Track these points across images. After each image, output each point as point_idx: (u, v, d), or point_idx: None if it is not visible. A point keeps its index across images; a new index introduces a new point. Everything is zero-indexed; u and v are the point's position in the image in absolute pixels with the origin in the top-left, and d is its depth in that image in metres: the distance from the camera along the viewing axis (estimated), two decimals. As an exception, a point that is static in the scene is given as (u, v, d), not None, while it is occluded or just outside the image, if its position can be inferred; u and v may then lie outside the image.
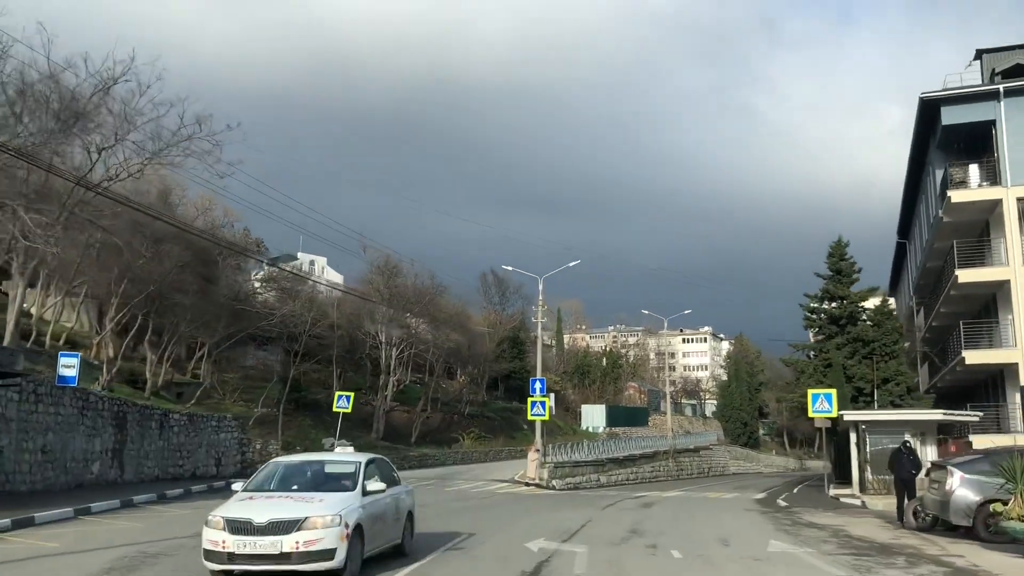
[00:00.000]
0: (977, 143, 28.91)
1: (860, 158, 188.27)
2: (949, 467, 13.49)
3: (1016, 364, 27.03)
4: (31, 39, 18.85)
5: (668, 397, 63.02)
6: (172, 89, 22.87)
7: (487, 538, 13.18)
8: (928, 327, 36.01)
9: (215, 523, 8.75)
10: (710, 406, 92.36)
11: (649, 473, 44.07)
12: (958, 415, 25.14)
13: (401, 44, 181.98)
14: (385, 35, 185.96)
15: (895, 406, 30.40)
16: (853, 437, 25.24)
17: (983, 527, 12.73)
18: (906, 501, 15.77)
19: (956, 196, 27.92)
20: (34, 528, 13.28)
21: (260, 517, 8.68)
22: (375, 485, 9.92)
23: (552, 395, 52.69)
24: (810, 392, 26.17)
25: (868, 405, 31.12)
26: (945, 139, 29.95)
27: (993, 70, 29.79)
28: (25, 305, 29.52)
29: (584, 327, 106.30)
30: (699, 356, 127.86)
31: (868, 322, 34.23)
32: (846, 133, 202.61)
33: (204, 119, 20.59)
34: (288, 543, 8.50)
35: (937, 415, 24.30)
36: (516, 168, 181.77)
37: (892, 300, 44.81)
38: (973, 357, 28.00)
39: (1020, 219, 27.30)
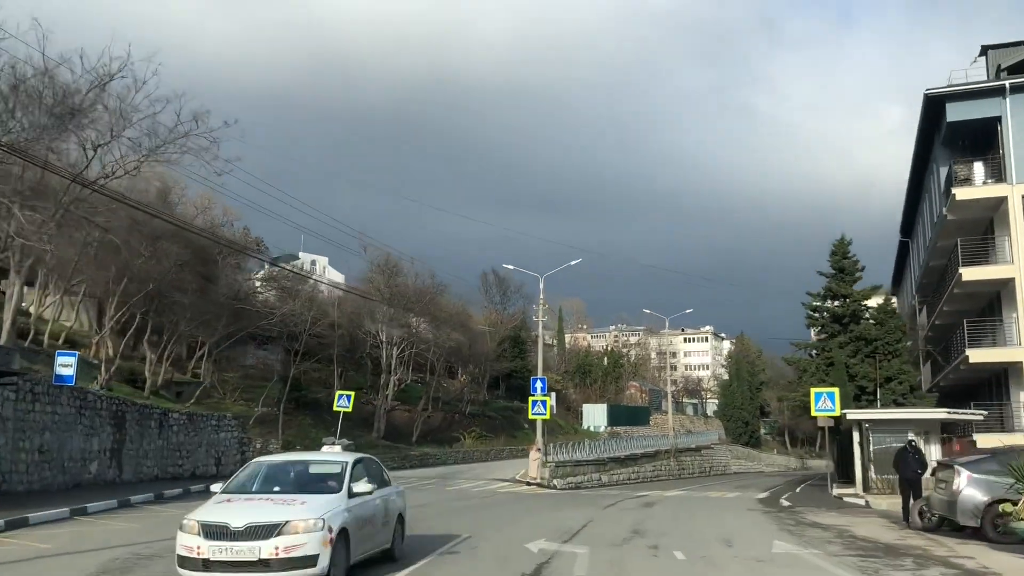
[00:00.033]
0: (982, 140, 28.69)
1: (861, 158, 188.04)
2: (956, 466, 13.29)
3: (1020, 363, 26.86)
4: (26, 35, 18.59)
5: (669, 396, 62.87)
6: (171, 88, 22.77)
7: (486, 539, 13.00)
8: (931, 326, 35.83)
9: (189, 527, 8.27)
10: (711, 405, 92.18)
11: (651, 472, 43.89)
12: (962, 414, 24.96)
13: (401, 44, 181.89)
14: (385, 35, 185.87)
15: (898, 405, 30.20)
16: (856, 436, 25.04)
17: (991, 528, 12.54)
18: (911, 501, 15.57)
19: (961, 193, 27.71)
20: (28, 529, 13.11)
21: (237, 521, 8.17)
22: (362, 487, 9.42)
23: (553, 394, 52.58)
24: (813, 391, 25.97)
25: (871, 404, 30.91)
26: (950, 136, 29.73)
27: (999, 66, 29.58)
28: (24, 304, 29.46)
29: (585, 327, 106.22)
30: (700, 355, 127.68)
31: (871, 320, 34.02)
32: (847, 133, 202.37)
33: (201, 116, 20.45)
34: (267, 549, 7.99)
35: (941, 414, 24.11)
36: (516, 168, 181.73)
37: (895, 299, 44.61)
38: (977, 356, 27.82)
39: (1025, 216, 27.08)
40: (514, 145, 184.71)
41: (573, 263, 36.85)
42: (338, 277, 60.02)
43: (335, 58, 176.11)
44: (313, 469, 9.96)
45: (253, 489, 9.40)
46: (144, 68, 19.80)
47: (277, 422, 33.08)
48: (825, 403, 24.83)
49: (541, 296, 35.52)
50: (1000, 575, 9.99)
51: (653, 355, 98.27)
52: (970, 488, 12.86)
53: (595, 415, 63.85)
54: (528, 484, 29.45)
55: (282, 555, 7.99)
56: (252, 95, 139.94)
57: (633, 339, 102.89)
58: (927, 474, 16.43)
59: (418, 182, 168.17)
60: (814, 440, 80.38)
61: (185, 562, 8.16)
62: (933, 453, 22.08)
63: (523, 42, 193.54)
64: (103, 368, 25.41)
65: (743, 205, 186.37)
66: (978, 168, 28.74)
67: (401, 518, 10.92)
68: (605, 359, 78.77)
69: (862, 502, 21.91)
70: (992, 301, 29.84)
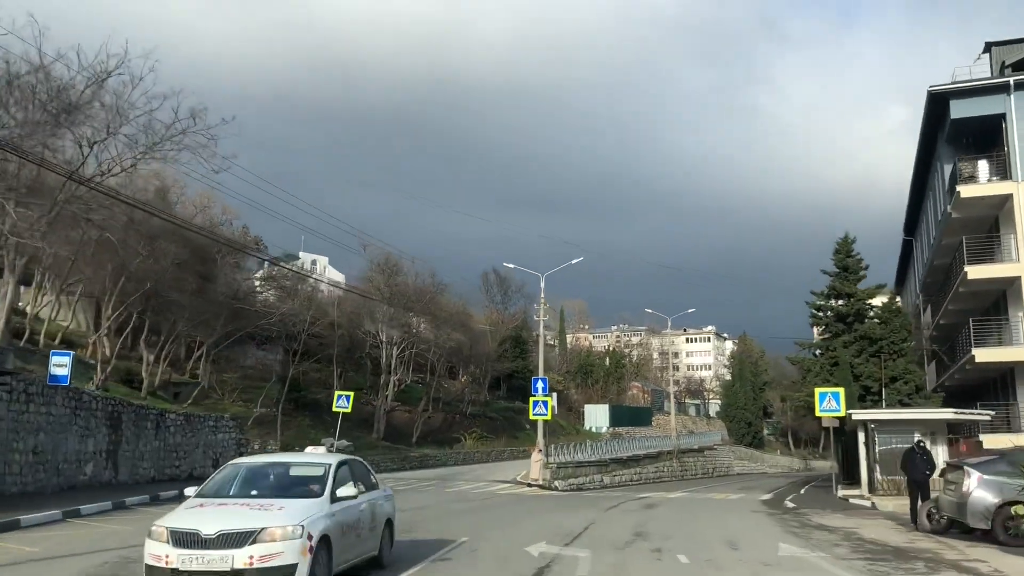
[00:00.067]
0: (986, 137, 28.42)
1: (863, 157, 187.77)
2: (966, 468, 12.99)
3: (1027, 362, 26.56)
4: (22, 31, 18.36)
5: (672, 397, 62.56)
6: (168, 86, 22.59)
7: (485, 542, 12.72)
8: (935, 325, 35.54)
9: (158, 534, 7.77)
10: (714, 406, 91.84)
11: (653, 473, 43.60)
12: (969, 414, 24.64)
13: (401, 44, 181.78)
14: (385, 35, 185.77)
15: (903, 405, 29.89)
16: (861, 437, 24.74)
17: (1002, 530, 12.24)
18: (919, 503, 15.27)
19: (965, 191, 27.41)
20: (19, 532, 12.85)
21: (209, 528, 7.64)
22: (347, 490, 8.87)
23: (555, 395, 52.32)
24: (817, 391, 25.69)
25: (876, 404, 30.61)
26: (954, 133, 29.45)
27: (1003, 63, 29.30)
28: (21, 304, 29.25)
29: (587, 327, 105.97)
30: (703, 356, 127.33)
31: (876, 320, 33.70)
32: (848, 132, 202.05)
33: (198, 113, 20.20)
34: (240, 558, 7.45)
35: (948, 414, 23.81)
36: (516, 168, 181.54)
37: (899, 298, 44.30)
38: (983, 355, 27.53)
39: (1031, 214, 26.79)
40: (514, 145, 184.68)
41: (574, 261, 36.65)
42: (339, 277, 59.80)
43: (335, 58, 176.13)
44: (294, 472, 9.39)
45: (229, 493, 8.84)
46: (141, 65, 19.53)
47: (276, 423, 32.84)
48: (830, 403, 24.55)
49: (542, 295, 35.28)
50: (1014, 579, 9.71)
51: (655, 355, 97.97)
52: (980, 490, 12.56)
53: (597, 416, 63.55)
54: (529, 485, 29.18)
55: (257, 565, 7.46)
56: (252, 95, 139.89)
57: (635, 339, 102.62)
58: (935, 475, 16.14)
59: (418, 182, 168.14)
60: (818, 441, 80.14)
61: (153, 572, 7.68)
62: (940, 454, 21.78)
63: (523, 42, 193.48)
64: (99, 368, 25.15)
65: (744, 204, 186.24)
66: (983, 166, 28.47)
67: (390, 523, 10.40)
68: (607, 359, 78.49)
69: (868, 504, 21.61)
70: (998, 300, 29.56)
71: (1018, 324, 27.21)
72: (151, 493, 19.32)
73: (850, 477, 27.96)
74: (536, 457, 30.30)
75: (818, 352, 36.30)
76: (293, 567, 7.60)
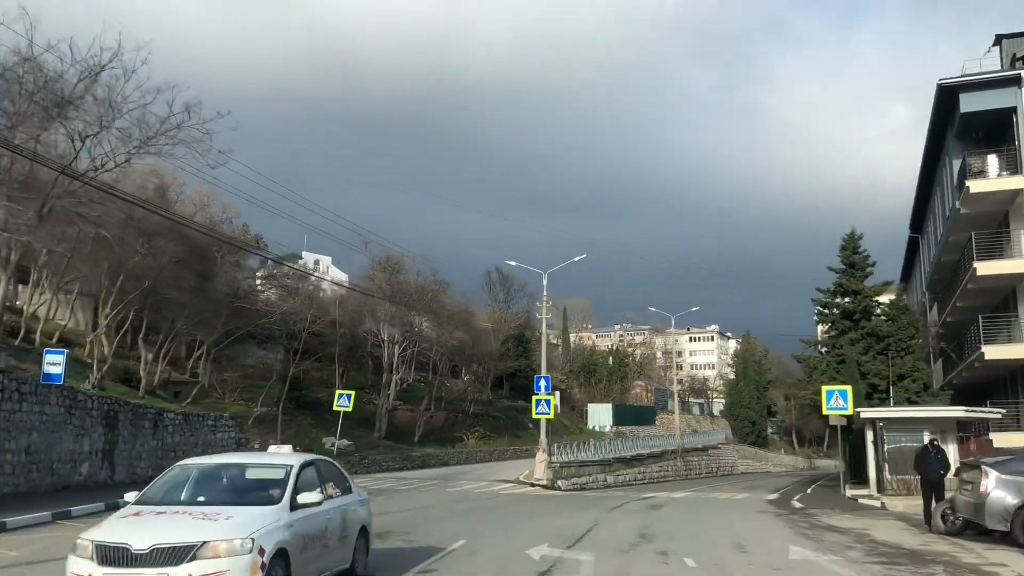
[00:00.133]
0: (996, 132, 27.98)
1: (864, 156, 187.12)
2: (984, 467, 12.56)
3: (1038, 359, 26.13)
4: (13, 24, 18.02)
5: (676, 396, 62.11)
6: (164, 80, 22.32)
7: (484, 544, 12.34)
8: (942, 322, 35.10)
9: (82, 549, 6.74)
10: (717, 405, 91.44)
11: (657, 473, 43.24)
12: (980, 412, 24.21)
13: (401, 44, 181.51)
14: (385, 35, 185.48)
15: (911, 403, 29.47)
16: (870, 435, 24.33)
17: (1022, 532, 11.82)
18: (934, 503, 14.84)
19: (975, 186, 26.99)
20: (4, 535, 12.50)
21: (141, 542, 6.61)
22: (310, 496, 7.77)
23: (558, 393, 51.88)
24: (824, 389, 25.29)
25: (883, 402, 30.18)
26: (963, 128, 29.01)
27: (1014, 55, 28.85)
28: (19, 303, 28.93)
29: (590, 326, 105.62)
30: (706, 355, 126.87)
31: (882, 317, 33.25)
32: (850, 131, 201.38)
33: (193, 107, 19.83)
34: None
35: (958, 412, 23.38)
36: (517, 168, 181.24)
37: (904, 296, 43.79)
38: (992, 352, 27.13)
39: (1042, 209, 26.38)
40: (514, 145, 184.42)
41: (577, 259, 36.25)
42: (342, 277, 59.49)
43: (335, 58, 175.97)
44: (251, 474, 8.25)
45: (172, 499, 7.72)
46: (133, 57, 19.15)
47: (276, 422, 32.50)
48: (837, 401, 24.15)
49: (544, 293, 34.88)
50: (1037, 584, 9.30)
51: (659, 354, 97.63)
52: (999, 490, 12.13)
53: (600, 415, 63.19)
54: (533, 485, 28.82)
55: None
56: (251, 95, 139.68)
57: (638, 338, 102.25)
58: (949, 475, 15.71)
59: (418, 182, 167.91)
60: (822, 440, 79.71)
61: None
62: (951, 453, 21.33)
63: (523, 42, 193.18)
64: (95, 367, 24.82)
65: (744, 204, 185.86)
66: (992, 160, 28.02)
67: (365, 531, 9.35)
68: (610, 358, 78.11)
69: (877, 504, 21.20)
70: (1007, 296, 29.13)
71: (1029, 321, 26.80)
72: (147, 494, 18.93)
73: (857, 476, 27.56)
74: (540, 457, 29.96)
75: (824, 350, 35.88)
76: None
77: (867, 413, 24.24)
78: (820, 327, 43.06)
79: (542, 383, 30.99)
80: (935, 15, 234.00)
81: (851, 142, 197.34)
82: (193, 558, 6.56)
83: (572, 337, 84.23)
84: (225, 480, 8.17)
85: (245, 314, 33.66)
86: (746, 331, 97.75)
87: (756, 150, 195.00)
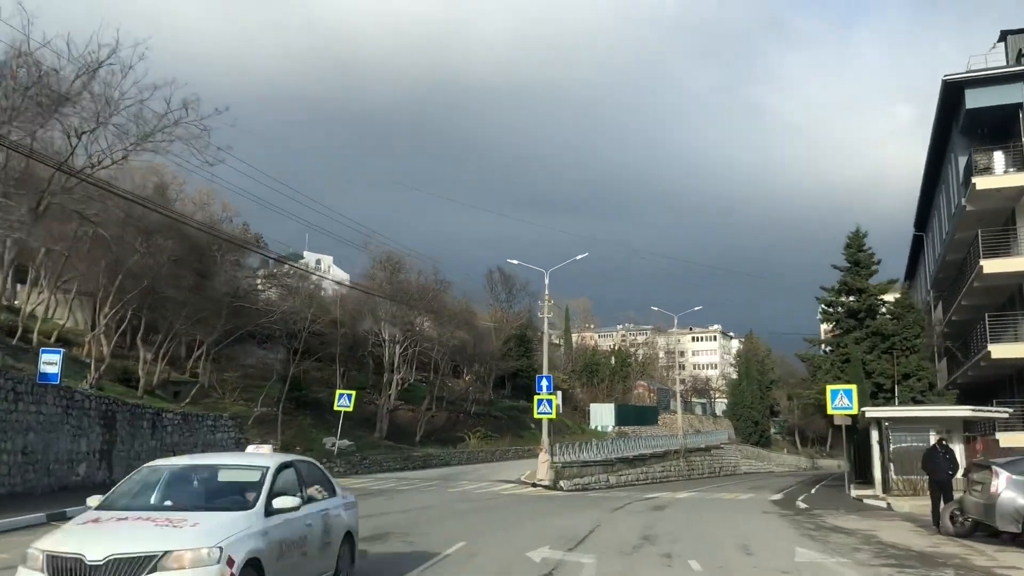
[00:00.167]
0: (1002, 128, 27.73)
1: (868, 155, 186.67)
2: (994, 467, 12.30)
3: (1045, 358, 25.86)
4: (10, 20, 17.83)
5: (679, 395, 61.89)
6: (161, 77, 22.11)
7: (484, 546, 12.11)
8: (947, 321, 34.85)
9: (33, 560, 6.17)
10: (720, 405, 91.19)
11: (660, 473, 43.01)
12: (987, 411, 23.94)
13: (401, 44, 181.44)
14: (385, 35, 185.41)
15: (916, 402, 29.17)
16: (875, 435, 24.08)
17: (1034, 533, 11.58)
18: (942, 504, 14.58)
19: (981, 183, 26.76)
20: (-2, 536, 12.30)
21: (97, 552, 6.00)
22: (286, 500, 7.15)
23: (560, 393, 51.60)
24: (829, 388, 25.04)
25: (888, 401, 29.90)
26: (968, 124, 28.76)
27: (1019, 51, 28.61)
28: (16, 302, 28.75)
29: (592, 326, 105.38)
30: (708, 355, 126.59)
31: (888, 315, 32.96)
32: (853, 131, 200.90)
33: (191, 103, 19.61)
34: None
35: (965, 412, 23.10)
36: (517, 168, 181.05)
37: (910, 294, 43.50)
38: (999, 351, 26.90)
39: (1049, 206, 26.11)
40: (514, 145, 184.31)
41: (579, 257, 36.01)
42: (343, 276, 59.32)
43: (335, 58, 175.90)
44: (223, 476, 7.63)
45: (137, 504, 7.09)
46: (130, 53, 18.93)
47: (276, 422, 32.30)
48: (842, 401, 23.92)
49: (546, 291, 34.66)
50: (1052, 587, 9.05)
51: (661, 354, 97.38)
52: (1010, 490, 11.87)
53: (603, 415, 62.96)
54: (535, 485, 28.59)
55: None
56: (251, 95, 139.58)
57: (640, 338, 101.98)
58: (958, 475, 15.45)
59: (418, 182, 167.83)
60: (825, 439, 79.41)
61: None
62: (957, 453, 21.07)
63: (523, 42, 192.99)
64: (93, 367, 24.63)
65: (746, 204, 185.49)
66: (998, 157, 27.79)
67: (350, 537, 8.75)
68: (612, 358, 77.86)
69: (883, 504, 20.94)
70: (1013, 294, 28.89)
71: (1036, 319, 26.54)
72: (144, 494, 18.73)
73: (862, 476, 27.29)
74: (543, 458, 29.73)
75: (828, 349, 35.60)
76: None
77: (872, 413, 23.98)
78: (824, 326, 42.79)
79: (544, 383, 30.76)
80: (935, 15, 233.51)
81: (853, 142, 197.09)
82: (153, 569, 6.00)
83: (574, 337, 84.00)
84: (195, 483, 7.55)
85: (245, 313, 33.47)
86: (749, 331, 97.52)
87: (757, 150, 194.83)
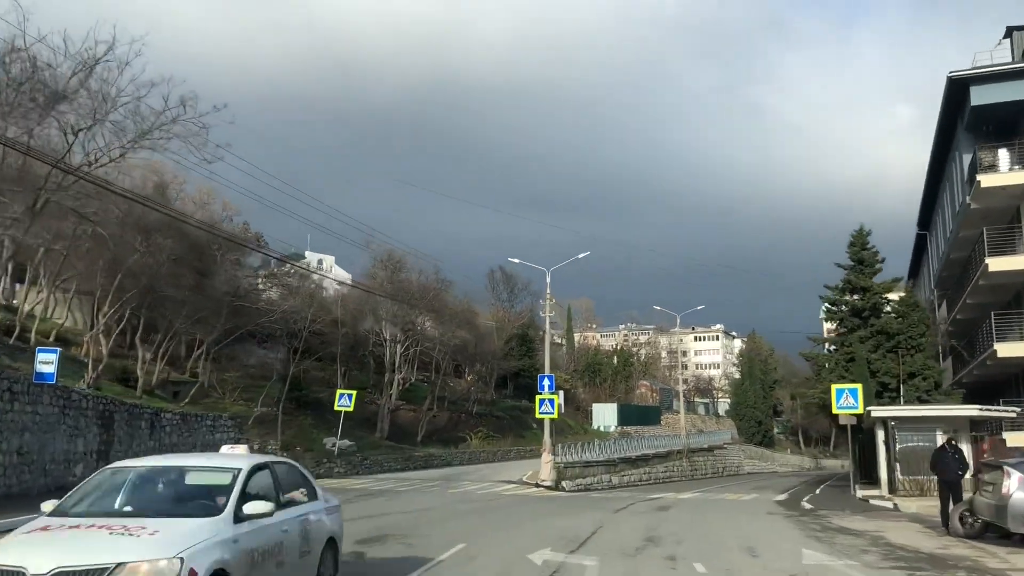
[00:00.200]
0: (1008, 125, 27.50)
1: (868, 155, 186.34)
2: (1006, 468, 12.05)
3: (1052, 357, 25.59)
4: (6, 15, 17.64)
5: (682, 395, 61.63)
6: (159, 74, 21.96)
7: (485, 548, 11.87)
8: (952, 320, 34.58)
9: None
10: (723, 405, 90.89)
11: (663, 473, 42.76)
12: (994, 411, 23.65)
13: (402, 44, 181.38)
14: (385, 36, 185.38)
15: (921, 402, 28.90)
16: (880, 435, 23.81)
17: (1047, 535, 11.32)
18: (951, 505, 14.32)
19: (986, 180, 26.50)
20: (-11, 537, 12.07)
21: (40, 564, 5.40)
22: (258, 506, 6.52)
23: (562, 393, 51.39)
24: (834, 387, 24.79)
25: (893, 401, 29.62)
26: (974, 121, 28.49)
27: (1025, 47, 28.29)
28: (15, 302, 28.59)
29: (594, 325, 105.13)
30: (711, 354, 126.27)
31: (892, 314, 32.68)
32: (853, 131, 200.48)
33: (189, 101, 19.41)
34: None
35: (972, 411, 22.82)
36: (517, 168, 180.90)
37: (914, 293, 43.20)
38: (1005, 350, 26.65)
39: (1056, 204, 25.84)
40: (515, 144, 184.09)
41: (581, 255, 35.72)
42: (345, 276, 59.14)
43: (335, 58, 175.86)
44: (192, 479, 6.98)
45: (94, 509, 6.47)
46: (127, 50, 18.73)
47: (276, 422, 32.10)
48: (847, 400, 23.68)
49: (548, 289, 34.40)
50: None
51: (663, 354, 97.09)
52: (1022, 491, 11.63)
53: (605, 415, 62.73)
54: (538, 485, 28.36)
55: None
56: (251, 95, 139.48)
57: (643, 338, 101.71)
58: (967, 475, 15.20)
59: (419, 182, 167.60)
60: (828, 439, 79.09)
61: None
62: (966, 453, 20.82)
63: (523, 42, 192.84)
64: (90, 366, 24.44)
65: (746, 203, 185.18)
66: (1003, 154, 27.54)
67: (333, 543, 8.12)
68: (615, 358, 77.60)
69: (889, 505, 20.69)
70: (1019, 292, 28.62)
71: (1042, 318, 26.27)
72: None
73: (867, 476, 27.04)
74: (546, 458, 29.51)
75: (832, 348, 35.32)
76: None
77: (878, 412, 23.71)
78: (827, 325, 42.47)
79: (546, 382, 30.53)
80: (935, 15, 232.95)
81: (853, 142, 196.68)
82: None
83: (576, 337, 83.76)
84: (161, 486, 6.88)
85: (245, 313, 33.30)
86: (752, 330, 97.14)
87: (757, 149, 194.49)
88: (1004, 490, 11.79)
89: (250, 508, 6.48)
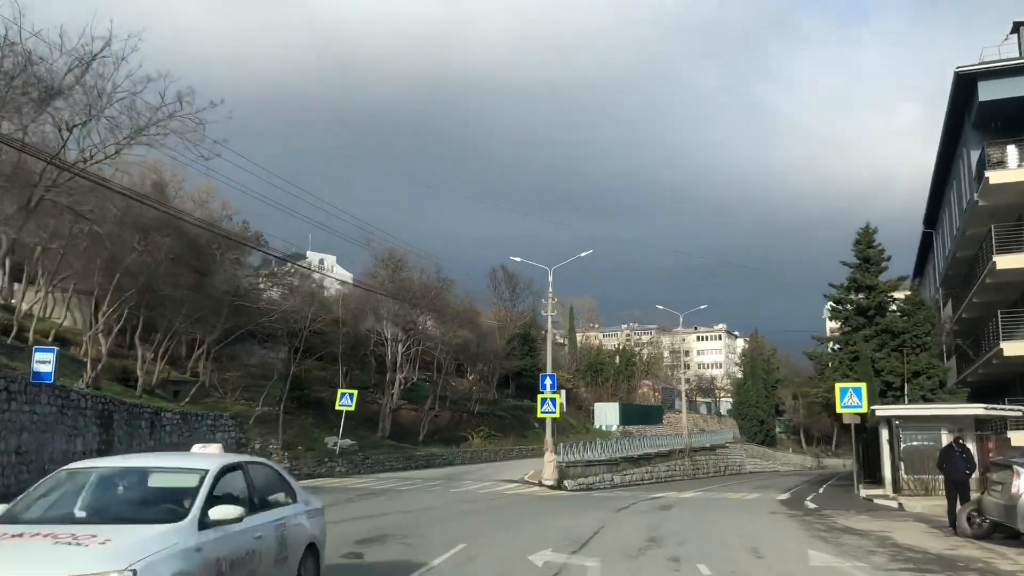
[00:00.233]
0: (1016, 121, 27.19)
1: (872, 154, 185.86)
2: (1016, 467, 11.82)
3: (1059, 356, 25.35)
4: (1, 9, 17.54)
5: (684, 395, 61.37)
6: (155, 70, 21.79)
7: (485, 549, 11.68)
8: (958, 319, 34.34)
9: None
10: (724, 404, 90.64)
11: (665, 472, 42.55)
12: (1001, 410, 23.43)
13: (402, 44, 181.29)
14: (386, 36, 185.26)
15: (926, 401, 28.68)
16: (885, 434, 23.59)
17: (1058, 536, 11.10)
18: (959, 505, 14.10)
19: (995, 177, 26.25)
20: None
21: None
22: (226, 510, 5.93)
23: (564, 392, 51.24)
24: (838, 386, 24.58)
25: (897, 400, 29.41)
26: (981, 117, 28.23)
27: (1032, 42, 28.03)
28: (13, 301, 28.44)
29: (597, 325, 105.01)
30: (713, 354, 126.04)
31: (897, 313, 32.43)
32: (857, 130, 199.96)
33: (185, 96, 19.24)
34: None
35: (978, 410, 22.60)
36: (517, 168, 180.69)
37: (920, 291, 42.94)
38: (1012, 349, 26.45)
39: (1064, 201, 25.60)
40: (515, 144, 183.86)
41: (583, 254, 35.58)
42: (346, 276, 59.00)
43: (335, 58, 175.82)
44: (155, 481, 6.40)
45: (44, 516, 5.89)
46: (123, 46, 18.55)
47: (278, 422, 31.95)
48: (851, 399, 23.49)
49: (550, 288, 34.21)
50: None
51: (666, 353, 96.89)
52: (1032, 491, 11.41)
53: (607, 414, 62.51)
54: (540, 485, 28.17)
55: None
56: (251, 95, 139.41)
57: (645, 337, 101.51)
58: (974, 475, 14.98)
59: (419, 182, 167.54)
60: (830, 438, 78.85)
61: None
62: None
63: (523, 42, 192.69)
64: (89, 366, 24.29)
65: (748, 203, 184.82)
66: (1012, 151, 27.26)
67: (314, 549, 7.54)
68: (617, 357, 77.38)
69: (894, 504, 20.47)
70: (1026, 291, 28.36)
71: (1049, 316, 26.03)
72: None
73: (871, 476, 26.83)
74: (549, 457, 29.32)
75: (836, 347, 35.08)
76: None
77: (883, 411, 23.50)
78: (831, 324, 42.25)
79: (547, 381, 30.36)
80: (935, 14, 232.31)
81: (856, 141, 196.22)
82: None
83: (578, 336, 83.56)
84: (120, 489, 6.28)
85: (246, 312, 33.15)
86: (754, 329, 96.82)
87: (759, 148, 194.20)
88: (1014, 490, 11.57)
89: (217, 513, 5.91)
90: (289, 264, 41.99)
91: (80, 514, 5.94)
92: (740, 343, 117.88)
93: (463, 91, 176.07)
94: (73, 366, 24.70)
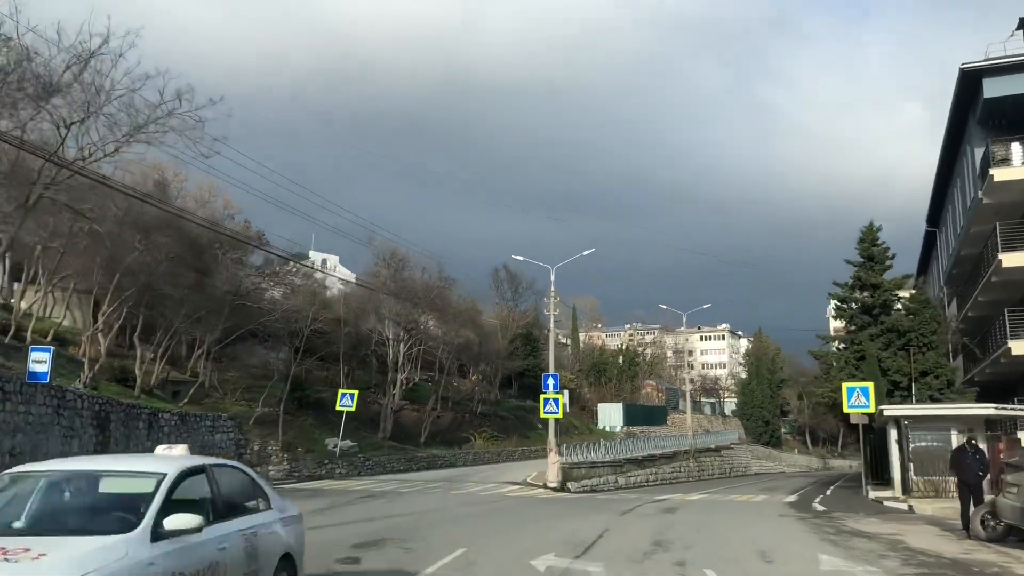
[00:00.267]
0: (1021, 119, 26.88)
1: (874, 154, 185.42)
2: (1032, 469, 11.54)
3: (1068, 355, 25.01)
4: (-2, 6, 17.33)
5: (688, 395, 61.01)
6: (154, 67, 21.60)
7: (485, 553, 11.39)
8: (963, 317, 33.99)
9: None
10: (729, 404, 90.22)
11: (669, 474, 42.22)
12: (1011, 409, 23.06)
13: (405, 44, 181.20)
14: (387, 36, 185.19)
15: (934, 400, 28.35)
16: (893, 435, 23.26)
17: (1075, 540, 10.79)
18: (972, 507, 13.78)
19: (999, 174, 25.94)
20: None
21: None
22: (182, 519, 5.26)
23: (567, 392, 50.97)
24: (845, 386, 24.26)
25: (905, 399, 29.07)
26: (986, 115, 27.90)
27: (1040, 38, 27.67)
28: (12, 300, 28.23)
29: (600, 325, 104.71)
30: (717, 354, 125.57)
31: (903, 311, 32.09)
32: (858, 129, 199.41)
33: (185, 94, 19.01)
34: None
35: (988, 409, 22.24)
36: (518, 168, 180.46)
37: (925, 289, 42.57)
38: (1020, 348, 26.11)
39: (1072, 198, 25.27)
40: (517, 144, 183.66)
41: (586, 253, 35.28)
42: (348, 275, 58.75)
43: (338, 58, 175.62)
44: (107, 486, 5.74)
45: None
46: (121, 43, 18.33)
47: (278, 422, 31.70)
48: (859, 399, 23.18)
49: (552, 288, 33.93)
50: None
51: (669, 353, 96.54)
52: (1049, 494, 11.11)
53: (611, 415, 62.19)
54: (545, 487, 27.88)
55: None
56: (251, 95, 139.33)
57: (648, 337, 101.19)
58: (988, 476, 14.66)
59: (420, 182, 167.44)
60: (836, 439, 78.43)
61: None
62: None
63: (526, 42, 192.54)
64: (87, 365, 24.06)
65: (749, 203, 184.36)
66: (1017, 148, 26.95)
67: (290, 561, 6.86)
68: (620, 358, 77.06)
69: (904, 506, 20.13)
70: (1033, 289, 28.01)
71: (1058, 315, 25.69)
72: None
73: (879, 477, 26.50)
74: (553, 459, 29.04)
75: (842, 346, 34.75)
76: None
77: (891, 411, 23.16)
78: (836, 323, 41.90)
79: (550, 381, 30.08)
80: (936, 14, 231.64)
81: (858, 140, 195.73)
82: None
83: (581, 336, 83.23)
84: (67, 495, 5.64)
85: (247, 312, 32.91)
86: (758, 329, 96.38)
87: (760, 148, 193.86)
88: (1030, 492, 11.27)
89: (173, 522, 5.26)
90: (291, 263, 41.72)
91: (18, 524, 5.30)
92: (743, 343, 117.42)
93: (464, 91, 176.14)
94: (71, 366, 24.49)
